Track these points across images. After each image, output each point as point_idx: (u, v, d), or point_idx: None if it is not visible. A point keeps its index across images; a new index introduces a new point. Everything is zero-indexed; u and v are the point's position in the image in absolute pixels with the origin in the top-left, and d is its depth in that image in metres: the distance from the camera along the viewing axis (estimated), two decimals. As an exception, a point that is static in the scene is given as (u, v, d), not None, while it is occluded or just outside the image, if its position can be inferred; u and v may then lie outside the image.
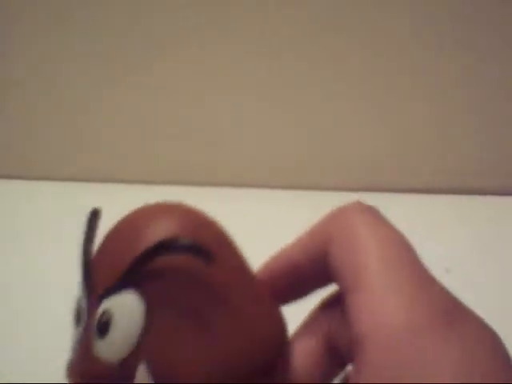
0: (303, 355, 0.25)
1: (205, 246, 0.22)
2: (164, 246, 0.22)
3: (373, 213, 0.24)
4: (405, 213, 0.53)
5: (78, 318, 0.23)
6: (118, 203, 0.55)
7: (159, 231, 0.23)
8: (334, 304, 0.25)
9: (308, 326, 0.26)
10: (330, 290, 0.25)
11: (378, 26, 0.57)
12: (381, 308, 0.21)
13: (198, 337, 0.22)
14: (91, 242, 0.23)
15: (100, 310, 0.22)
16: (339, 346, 0.24)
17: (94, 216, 0.24)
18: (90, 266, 0.23)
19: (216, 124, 0.61)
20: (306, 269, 0.24)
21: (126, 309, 0.22)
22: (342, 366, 0.25)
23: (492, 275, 0.44)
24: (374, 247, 0.22)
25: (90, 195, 0.58)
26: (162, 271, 0.22)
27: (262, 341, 0.24)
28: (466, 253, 0.48)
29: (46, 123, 0.63)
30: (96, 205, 0.55)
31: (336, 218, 0.24)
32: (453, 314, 0.21)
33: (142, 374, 0.22)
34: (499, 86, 0.58)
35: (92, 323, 0.22)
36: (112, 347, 0.22)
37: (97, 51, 0.60)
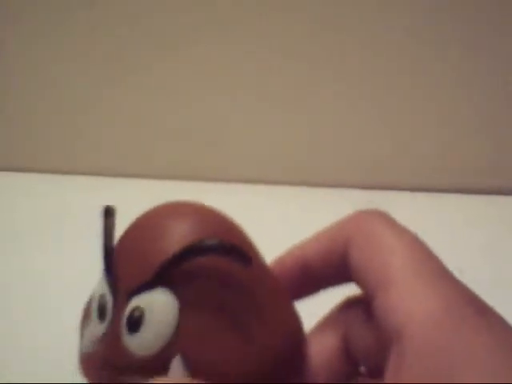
0: (320, 355, 0.25)
1: (243, 248, 0.22)
2: (202, 247, 0.22)
3: (389, 217, 0.24)
4: (416, 212, 0.53)
5: (100, 313, 0.23)
6: (119, 197, 0.55)
7: (193, 231, 0.23)
8: (353, 307, 0.25)
9: (325, 326, 0.26)
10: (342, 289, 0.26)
11: (378, 26, 0.57)
12: (414, 298, 0.21)
13: (230, 336, 0.23)
14: (112, 240, 0.24)
15: (130, 306, 0.22)
16: (355, 349, 0.24)
17: (110, 213, 0.24)
18: (113, 264, 0.23)
19: (216, 122, 0.62)
20: (319, 268, 0.25)
21: (159, 307, 0.22)
22: (355, 368, 0.25)
23: (506, 275, 0.44)
24: (398, 246, 0.23)
25: (92, 189, 0.58)
26: (198, 272, 0.22)
27: (284, 337, 0.24)
28: (479, 253, 0.48)
29: (47, 117, 0.63)
30: (98, 199, 0.55)
31: (355, 220, 0.25)
32: (481, 303, 0.21)
33: (176, 368, 0.22)
34: (500, 85, 0.58)
35: (120, 319, 0.22)
36: (143, 343, 0.22)
37: (97, 50, 0.60)
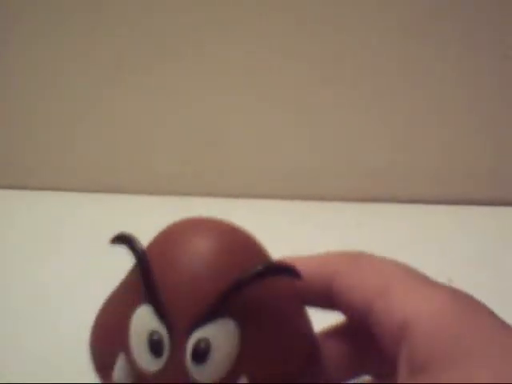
0: (332, 356, 0.26)
1: (290, 264, 0.24)
2: (257, 273, 0.23)
3: (369, 254, 0.25)
4: (407, 223, 0.53)
5: (155, 349, 0.23)
6: (117, 214, 0.55)
7: (249, 255, 0.24)
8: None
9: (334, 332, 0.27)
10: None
11: (382, 36, 0.57)
12: (418, 295, 0.22)
13: (283, 347, 0.24)
14: (151, 274, 0.23)
15: (193, 339, 0.23)
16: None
17: (133, 241, 0.24)
18: (162, 298, 0.23)
19: (215, 135, 0.62)
20: (304, 288, 0.26)
21: (223, 336, 0.23)
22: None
23: (493, 286, 0.45)
24: (386, 264, 0.24)
25: (86, 205, 0.58)
26: (255, 295, 0.23)
27: (311, 340, 0.26)
28: (468, 263, 0.48)
29: (45, 131, 0.63)
30: (92, 215, 0.54)
31: (339, 256, 0.25)
32: (477, 300, 0.22)
33: None
34: (504, 97, 0.58)
35: (183, 352, 0.23)
36: (210, 372, 0.23)
37: (95, 59, 0.60)
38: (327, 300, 0.25)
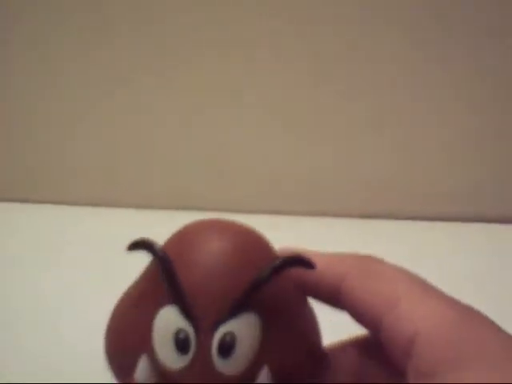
0: (341, 365, 0.27)
1: (307, 257, 0.25)
2: (277, 267, 0.24)
3: (379, 258, 0.26)
4: (406, 240, 0.53)
5: (182, 346, 0.24)
6: (116, 227, 0.55)
7: (263, 252, 0.26)
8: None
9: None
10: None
11: (388, 53, 0.58)
12: (426, 306, 0.22)
13: (297, 335, 0.26)
14: (175, 273, 0.25)
15: (218, 334, 0.24)
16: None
17: (153, 246, 0.25)
18: (186, 296, 0.24)
19: (215, 151, 0.62)
20: (310, 283, 0.27)
21: (247, 330, 0.24)
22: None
23: (492, 303, 0.44)
24: (397, 273, 0.25)
25: (86, 219, 0.59)
26: (275, 288, 0.25)
27: (316, 330, 0.28)
28: (468, 279, 0.49)
29: (45, 144, 0.63)
30: (87, 229, 0.54)
31: (350, 258, 0.26)
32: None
33: (263, 379, 0.25)
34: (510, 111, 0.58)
35: (209, 347, 0.24)
36: (236, 365, 0.24)
37: (89, 71, 0.60)
38: (334, 298, 0.26)
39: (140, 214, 0.61)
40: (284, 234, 0.54)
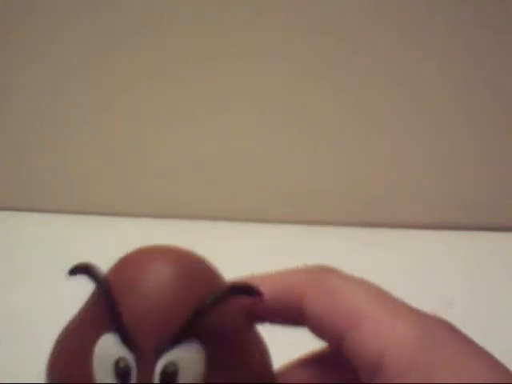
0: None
1: (253, 285, 0.24)
2: (221, 295, 0.24)
3: (337, 270, 0.26)
4: (406, 248, 0.53)
5: (123, 375, 0.23)
6: (108, 236, 0.55)
7: (208, 280, 0.25)
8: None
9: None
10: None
11: (386, 68, 0.57)
12: (388, 327, 0.22)
13: (242, 364, 0.25)
14: (115, 302, 0.24)
15: (161, 362, 0.23)
16: None
17: (96, 272, 0.24)
18: (124, 323, 0.23)
19: (208, 159, 0.61)
20: (269, 306, 0.26)
21: (190, 359, 0.23)
22: None
23: (493, 310, 0.44)
24: (357, 288, 0.24)
25: (78, 228, 0.58)
26: (219, 317, 0.24)
27: (268, 364, 0.26)
28: (467, 287, 0.48)
29: (35, 155, 0.62)
30: (85, 237, 0.54)
31: (308, 273, 0.26)
32: (447, 321, 0.23)
33: None
34: (507, 121, 0.58)
35: (150, 377, 0.23)
36: None
37: (86, 90, 0.60)
38: (293, 320, 0.25)
39: (136, 222, 0.60)
40: (275, 243, 0.54)
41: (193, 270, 0.25)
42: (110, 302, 0.24)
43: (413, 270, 0.50)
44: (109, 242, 0.51)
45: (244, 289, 0.24)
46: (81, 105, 0.60)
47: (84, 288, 0.24)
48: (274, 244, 0.55)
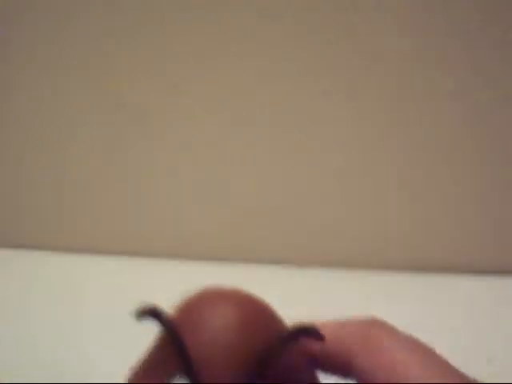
0: None
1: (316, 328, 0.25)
2: (287, 339, 0.24)
3: (389, 325, 0.27)
4: (444, 295, 0.52)
5: None
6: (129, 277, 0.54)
7: (272, 324, 0.26)
8: None
9: None
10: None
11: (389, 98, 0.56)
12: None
13: None
14: (186, 348, 0.24)
15: None
16: None
17: (164, 317, 0.25)
18: (195, 368, 0.24)
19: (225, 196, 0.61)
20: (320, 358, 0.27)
21: None
22: None
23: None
24: (401, 346, 0.25)
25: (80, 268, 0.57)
26: (286, 360, 0.24)
27: None
28: (508, 342, 0.46)
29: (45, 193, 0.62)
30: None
31: (359, 330, 0.27)
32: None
33: None
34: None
35: None
36: None
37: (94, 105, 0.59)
38: (344, 370, 0.27)
39: (157, 263, 0.59)
40: (286, 285, 0.52)
41: (257, 313, 0.26)
42: (179, 345, 0.24)
43: (450, 322, 0.48)
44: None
45: (311, 331, 0.25)
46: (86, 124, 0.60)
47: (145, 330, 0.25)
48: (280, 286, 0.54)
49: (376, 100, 0.57)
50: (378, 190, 0.59)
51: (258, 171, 0.60)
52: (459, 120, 0.57)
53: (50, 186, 0.62)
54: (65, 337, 0.48)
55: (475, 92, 0.56)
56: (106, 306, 0.51)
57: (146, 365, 0.26)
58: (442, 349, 0.41)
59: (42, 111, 0.60)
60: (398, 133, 0.58)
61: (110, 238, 0.63)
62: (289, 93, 0.58)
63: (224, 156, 0.60)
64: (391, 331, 0.26)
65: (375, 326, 0.26)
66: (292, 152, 0.59)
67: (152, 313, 0.25)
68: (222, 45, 0.57)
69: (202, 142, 0.60)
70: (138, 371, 0.27)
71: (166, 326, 0.25)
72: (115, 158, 0.61)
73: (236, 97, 0.58)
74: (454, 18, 0.55)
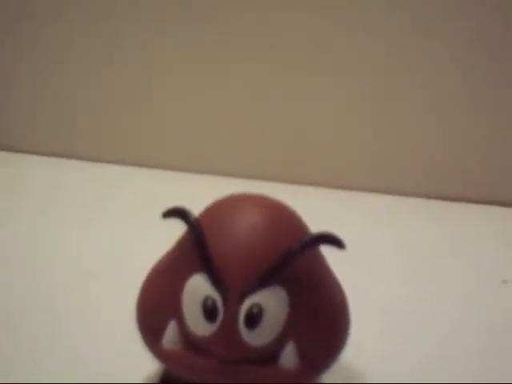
0: None
1: (337, 236, 0.25)
2: (309, 242, 0.25)
3: None
4: (461, 222, 0.52)
5: (209, 314, 0.25)
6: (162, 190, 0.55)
7: (295, 227, 0.26)
8: None
9: None
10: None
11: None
12: None
13: (324, 309, 0.26)
14: (206, 242, 0.25)
15: (246, 304, 0.24)
16: None
17: (187, 214, 0.25)
18: (216, 265, 0.25)
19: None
20: None
21: (275, 303, 0.25)
22: None
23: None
24: None
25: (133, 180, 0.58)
26: (304, 264, 0.25)
27: (344, 308, 0.27)
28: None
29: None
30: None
31: None
32: None
33: (289, 353, 0.25)
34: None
35: (236, 317, 0.24)
36: (261, 337, 0.25)
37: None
38: None
39: (189, 176, 0.59)
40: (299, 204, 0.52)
41: (281, 217, 0.26)
42: (201, 244, 0.25)
43: (466, 246, 0.48)
44: (159, 195, 0.52)
45: (332, 239, 0.25)
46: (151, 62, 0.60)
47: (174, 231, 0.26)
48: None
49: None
50: (400, 118, 0.58)
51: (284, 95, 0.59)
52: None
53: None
54: (95, 238, 0.48)
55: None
56: (137, 212, 0.51)
57: (169, 261, 0.27)
58: (458, 271, 0.42)
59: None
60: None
61: (141, 151, 0.62)
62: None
63: (249, 79, 0.59)
64: None
65: None
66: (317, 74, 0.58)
67: (178, 212, 0.25)
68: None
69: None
70: (159, 267, 0.28)
71: (190, 224, 0.25)
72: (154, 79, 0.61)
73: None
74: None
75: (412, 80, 0.57)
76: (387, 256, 0.44)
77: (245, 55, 0.58)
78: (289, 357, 0.25)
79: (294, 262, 0.24)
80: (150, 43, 0.59)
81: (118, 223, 0.50)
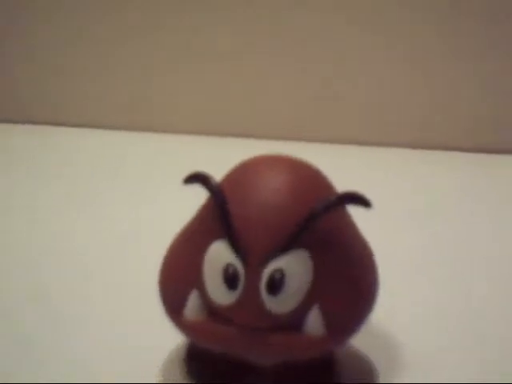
0: None
1: (363, 195, 0.24)
2: (333, 203, 0.24)
3: None
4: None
5: (231, 282, 0.24)
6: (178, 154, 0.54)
7: (319, 189, 0.25)
8: None
9: None
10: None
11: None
12: None
13: (349, 273, 0.25)
14: (227, 207, 0.24)
15: (268, 270, 0.24)
16: None
17: (208, 180, 0.25)
18: (237, 231, 0.24)
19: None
20: None
21: (297, 268, 0.24)
22: None
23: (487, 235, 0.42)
24: None
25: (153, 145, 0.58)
26: (327, 227, 0.24)
27: (371, 271, 0.27)
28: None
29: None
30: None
31: None
32: None
33: (313, 319, 0.24)
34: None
35: (258, 284, 0.24)
36: (284, 303, 0.24)
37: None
38: None
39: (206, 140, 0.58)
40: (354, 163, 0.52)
41: (305, 178, 0.25)
42: (222, 209, 0.24)
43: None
44: (175, 160, 0.52)
45: (358, 198, 0.24)
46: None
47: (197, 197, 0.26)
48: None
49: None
50: (395, 72, 0.57)
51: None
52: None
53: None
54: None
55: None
56: (159, 179, 0.50)
57: (191, 228, 0.27)
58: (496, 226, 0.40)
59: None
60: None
61: (161, 117, 0.62)
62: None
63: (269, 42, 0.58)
64: None
65: None
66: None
67: (199, 178, 0.25)
68: None
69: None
70: (182, 234, 0.27)
71: (211, 190, 0.25)
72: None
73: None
74: None
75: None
76: (416, 212, 0.43)
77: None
78: (314, 323, 0.24)
79: (317, 224, 0.24)
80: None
81: (139, 192, 0.49)
